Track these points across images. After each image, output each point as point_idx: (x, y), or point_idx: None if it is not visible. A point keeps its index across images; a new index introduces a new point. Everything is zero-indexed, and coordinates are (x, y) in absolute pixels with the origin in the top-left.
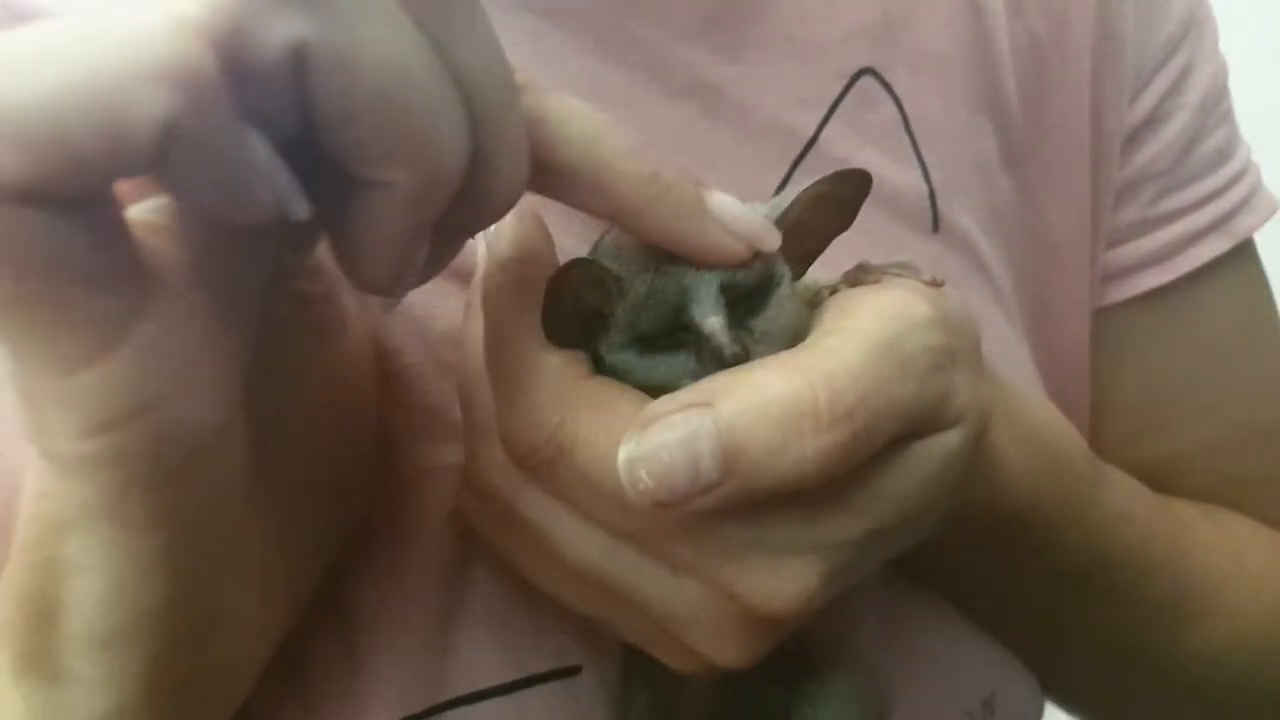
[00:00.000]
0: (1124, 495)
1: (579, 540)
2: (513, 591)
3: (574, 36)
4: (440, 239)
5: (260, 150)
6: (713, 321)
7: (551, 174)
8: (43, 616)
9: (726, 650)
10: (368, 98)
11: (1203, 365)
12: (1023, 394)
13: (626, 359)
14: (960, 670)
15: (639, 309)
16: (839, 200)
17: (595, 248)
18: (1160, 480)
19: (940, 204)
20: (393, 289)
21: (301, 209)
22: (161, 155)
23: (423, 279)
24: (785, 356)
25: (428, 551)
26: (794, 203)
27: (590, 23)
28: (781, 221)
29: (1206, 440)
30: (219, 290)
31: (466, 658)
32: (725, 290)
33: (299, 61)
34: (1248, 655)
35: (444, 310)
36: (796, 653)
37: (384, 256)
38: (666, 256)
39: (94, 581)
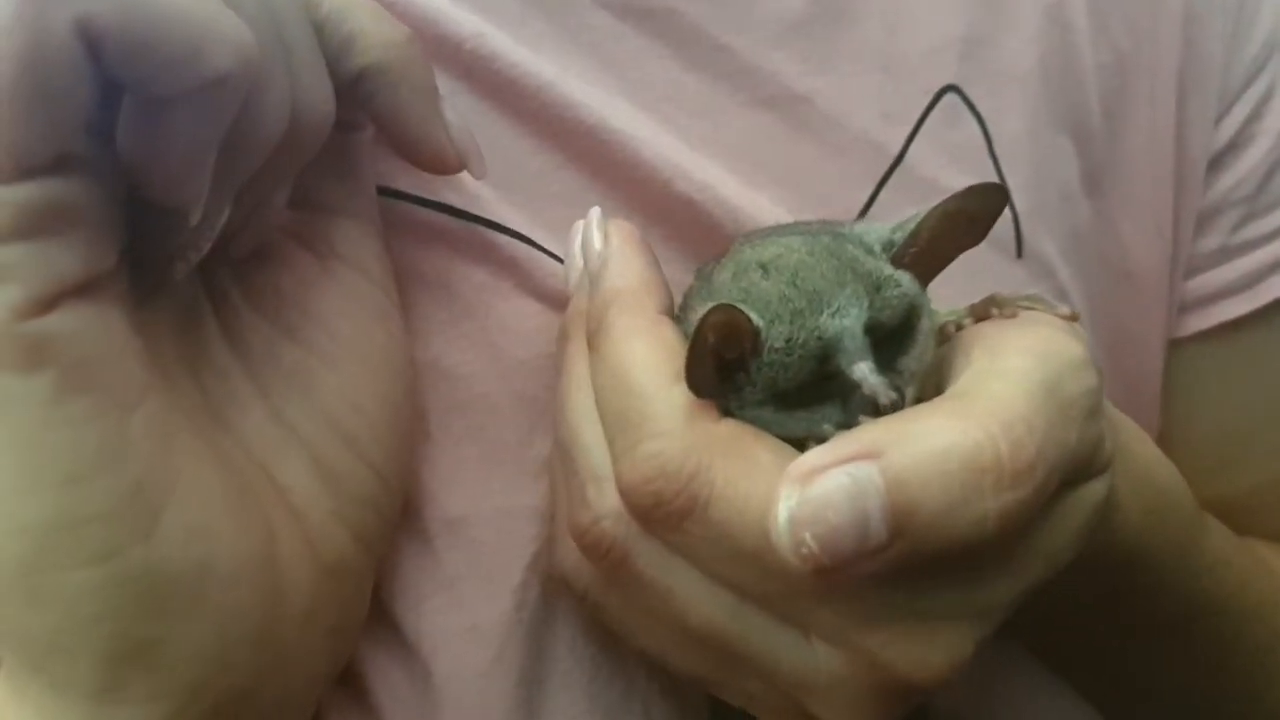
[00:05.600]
0: (1222, 538)
1: (703, 601)
2: (598, 647)
3: (655, 41)
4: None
5: None
6: (862, 368)
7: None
8: None
9: (855, 719)
10: None
11: (1277, 400)
12: (1130, 429)
13: (762, 415)
14: None
15: (778, 366)
16: (970, 216)
17: (705, 279)
18: (1229, 518)
19: (1023, 229)
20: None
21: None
22: None
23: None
24: (951, 402)
25: (509, 604)
26: (924, 220)
27: (672, 28)
28: (912, 242)
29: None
30: None
31: None
32: (869, 331)
33: None
34: None
35: (521, 333)
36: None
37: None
38: (799, 294)
39: None
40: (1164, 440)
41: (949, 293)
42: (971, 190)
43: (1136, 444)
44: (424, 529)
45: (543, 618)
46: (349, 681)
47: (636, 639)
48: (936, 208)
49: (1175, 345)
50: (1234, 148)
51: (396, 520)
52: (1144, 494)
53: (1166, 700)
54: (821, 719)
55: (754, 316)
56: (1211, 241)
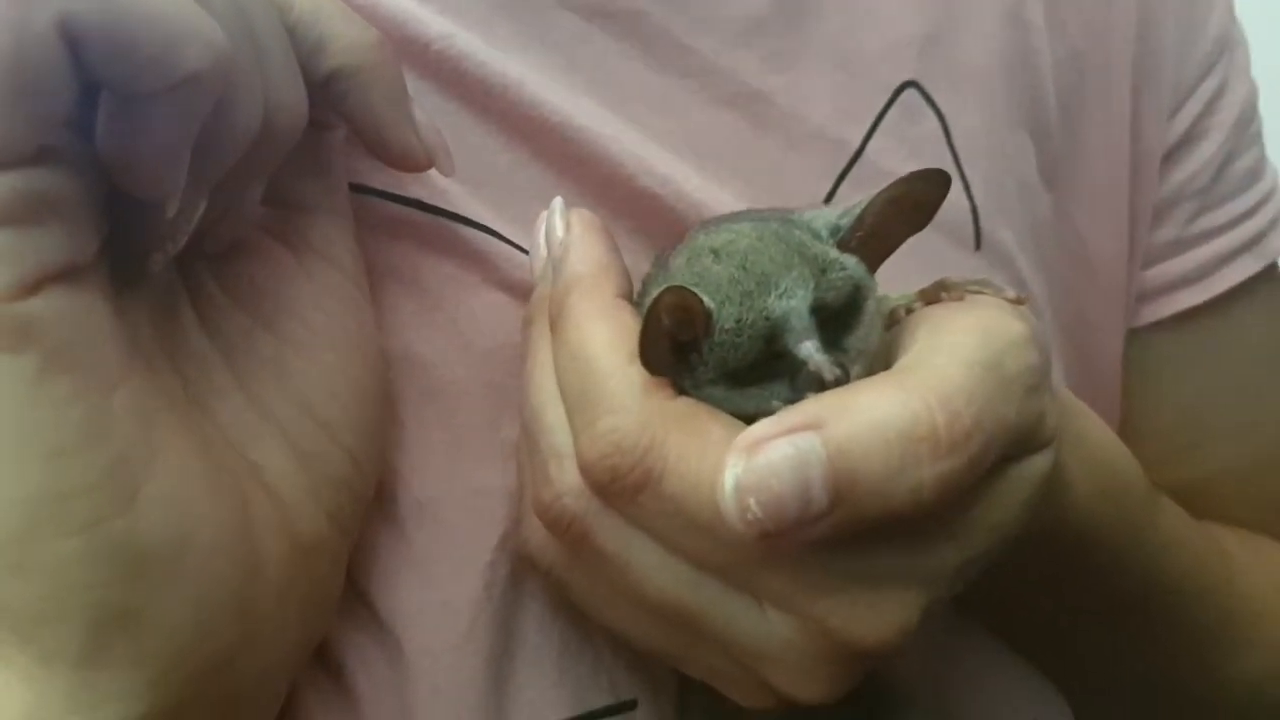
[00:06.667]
0: (1176, 519)
1: (660, 573)
2: (566, 623)
3: (620, 42)
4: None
5: None
6: (808, 347)
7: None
8: None
9: (810, 687)
10: None
11: (1235, 386)
12: (1085, 414)
13: (715, 393)
14: (1001, 699)
15: (729, 345)
16: (915, 201)
17: (662, 265)
18: (1188, 502)
19: (982, 221)
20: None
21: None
22: None
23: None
24: (892, 376)
25: (479, 582)
26: (869, 205)
27: (635, 27)
28: (857, 226)
29: (1237, 463)
30: None
31: (527, 697)
32: (815, 311)
33: None
34: None
35: (489, 323)
36: (864, 683)
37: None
38: (748, 277)
39: None
40: (1126, 427)
41: (908, 286)
42: (915, 175)
43: (1091, 428)
44: (396, 511)
45: (512, 595)
46: (324, 658)
47: (600, 614)
48: (881, 193)
49: (1134, 333)
50: (1188, 142)
51: (369, 501)
52: (1097, 475)
53: (1123, 677)
54: (779, 688)
55: (705, 298)
56: (1168, 233)
